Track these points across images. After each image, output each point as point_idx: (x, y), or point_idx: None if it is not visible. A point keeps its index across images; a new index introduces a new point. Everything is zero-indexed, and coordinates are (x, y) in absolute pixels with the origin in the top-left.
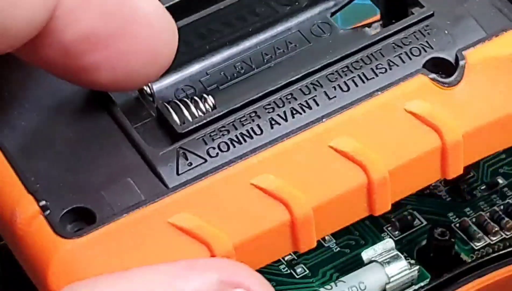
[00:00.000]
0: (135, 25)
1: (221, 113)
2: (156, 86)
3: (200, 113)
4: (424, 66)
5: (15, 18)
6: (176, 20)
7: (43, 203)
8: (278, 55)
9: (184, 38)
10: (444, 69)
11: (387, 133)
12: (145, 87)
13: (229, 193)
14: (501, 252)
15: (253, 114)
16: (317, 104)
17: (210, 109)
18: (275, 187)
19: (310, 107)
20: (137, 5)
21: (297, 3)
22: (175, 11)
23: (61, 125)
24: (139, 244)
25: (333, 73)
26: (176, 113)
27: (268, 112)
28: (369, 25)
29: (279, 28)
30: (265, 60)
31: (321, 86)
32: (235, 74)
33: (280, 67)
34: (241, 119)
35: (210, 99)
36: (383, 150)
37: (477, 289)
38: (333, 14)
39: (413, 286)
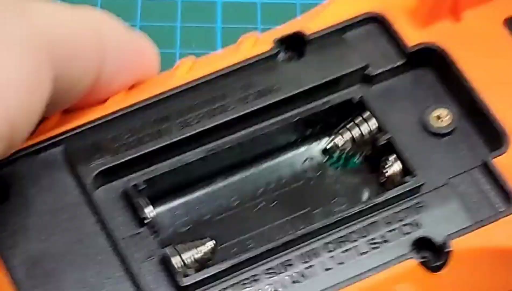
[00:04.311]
0: (147, 66)
1: (222, 269)
2: (156, 211)
3: (199, 254)
4: (413, 244)
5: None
6: (178, 154)
7: None
8: (270, 190)
9: (192, 171)
10: (431, 250)
11: None
12: (149, 222)
13: None
14: None
15: (253, 278)
16: (314, 274)
17: (209, 252)
18: None
19: (307, 278)
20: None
21: (294, 139)
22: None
23: (72, 266)
24: None
25: (331, 242)
26: (179, 255)
27: (267, 278)
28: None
29: (273, 161)
30: (258, 194)
31: (319, 255)
32: (229, 206)
33: (272, 206)
34: (243, 282)
35: (209, 244)
36: None
37: None
38: (324, 151)
39: None
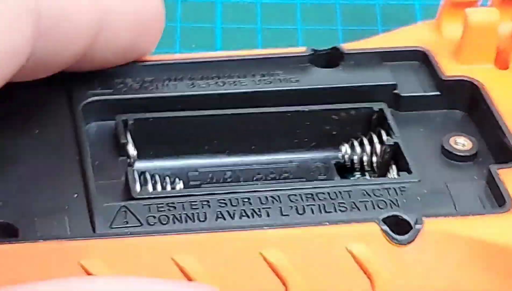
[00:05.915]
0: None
1: (177, 193)
2: (146, 166)
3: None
4: (383, 219)
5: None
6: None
7: None
8: (269, 179)
9: (187, 131)
10: (400, 229)
11: (321, 263)
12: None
13: (143, 261)
14: None
15: (205, 203)
16: (268, 215)
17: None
18: (193, 270)
19: (260, 216)
20: None
21: (306, 140)
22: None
23: (26, 145)
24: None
25: (296, 195)
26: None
27: (220, 205)
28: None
29: (282, 156)
30: (254, 179)
31: (279, 201)
32: (221, 180)
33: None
34: (192, 203)
35: (180, 185)
36: (310, 275)
37: None
38: (336, 165)
39: None
